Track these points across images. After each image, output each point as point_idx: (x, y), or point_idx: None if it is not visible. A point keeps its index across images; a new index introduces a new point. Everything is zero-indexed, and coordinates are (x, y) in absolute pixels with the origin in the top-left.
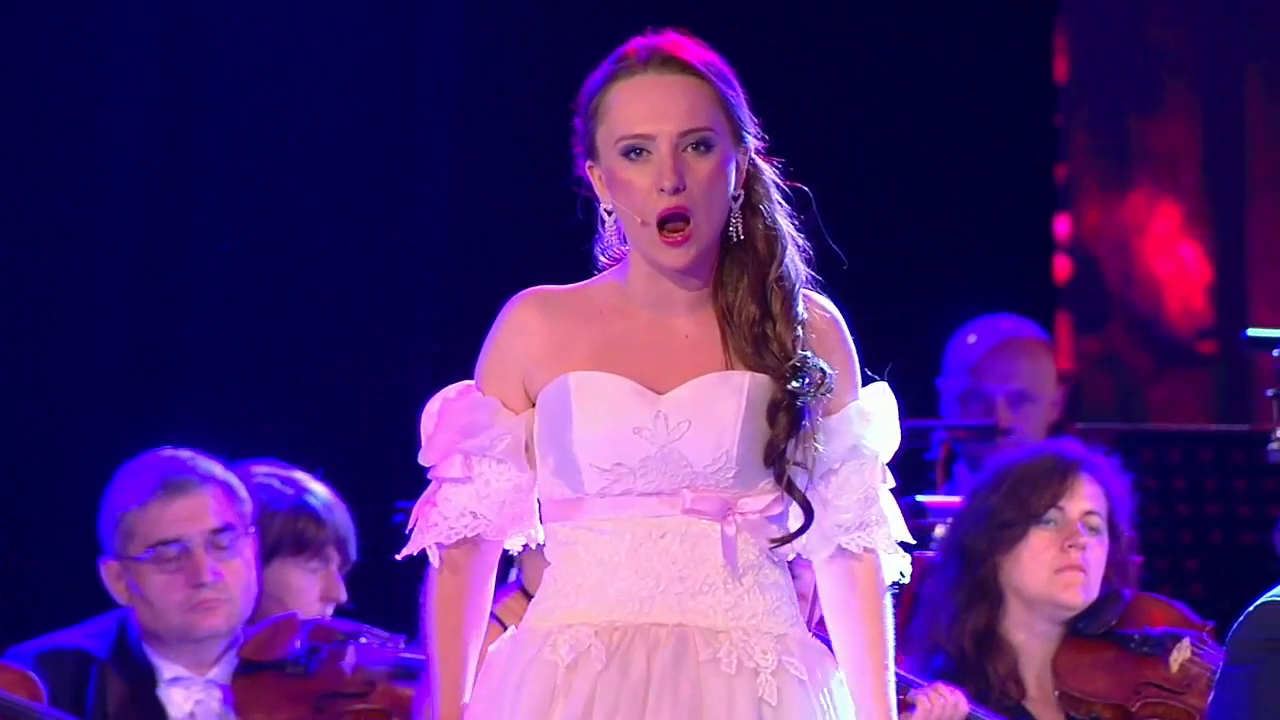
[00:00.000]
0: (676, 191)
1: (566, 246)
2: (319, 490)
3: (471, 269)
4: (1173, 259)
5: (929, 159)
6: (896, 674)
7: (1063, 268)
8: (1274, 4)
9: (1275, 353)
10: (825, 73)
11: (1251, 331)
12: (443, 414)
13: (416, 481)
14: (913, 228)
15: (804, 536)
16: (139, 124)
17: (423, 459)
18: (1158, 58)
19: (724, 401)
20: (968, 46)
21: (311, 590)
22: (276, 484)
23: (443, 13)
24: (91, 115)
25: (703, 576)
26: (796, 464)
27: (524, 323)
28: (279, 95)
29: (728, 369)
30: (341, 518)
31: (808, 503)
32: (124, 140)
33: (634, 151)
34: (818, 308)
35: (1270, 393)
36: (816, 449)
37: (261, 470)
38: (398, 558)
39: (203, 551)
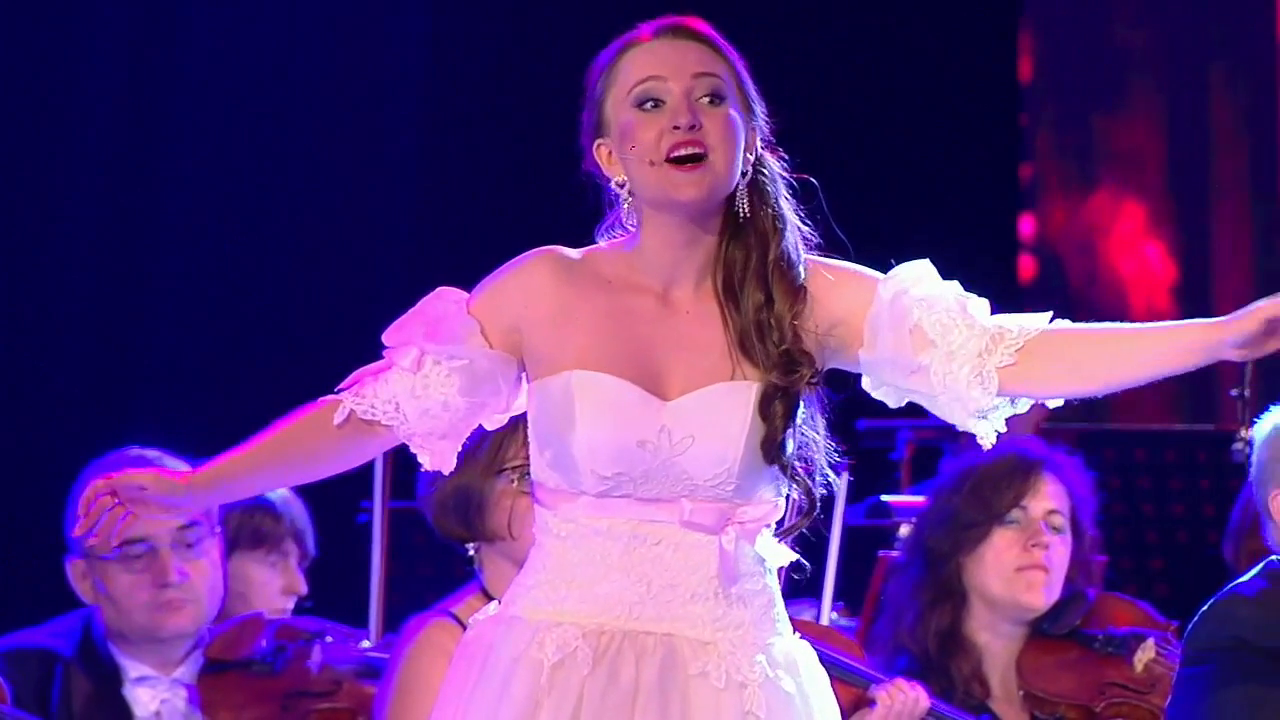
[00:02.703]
0: (692, 128)
1: (533, 242)
2: None
3: (436, 269)
4: (1137, 258)
5: (893, 158)
6: (858, 668)
7: (1027, 267)
8: (1237, 3)
9: None
10: (787, 73)
11: None
12: (423, 308)
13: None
14: (877, 227)
15: (955, 415)
16: (104, 125)
17: (385, 336)
18: (1122, 57)
19: (730, 417)
20: (932, 47)
21: (272, 584)
22: None
23: (410, 8)
24: (57, 115)
25: (694, 585)
26: (796, 456)
27: (536, 283)
28: (244, 96)
29: (732, 361)
30: (298, 511)
31: (811, 491)
32: (89, 140)
33: (648, 101)
34: (816, 268)
35: (1234, 393)
36: (876, 359)
37: None
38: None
39: (169, 551)
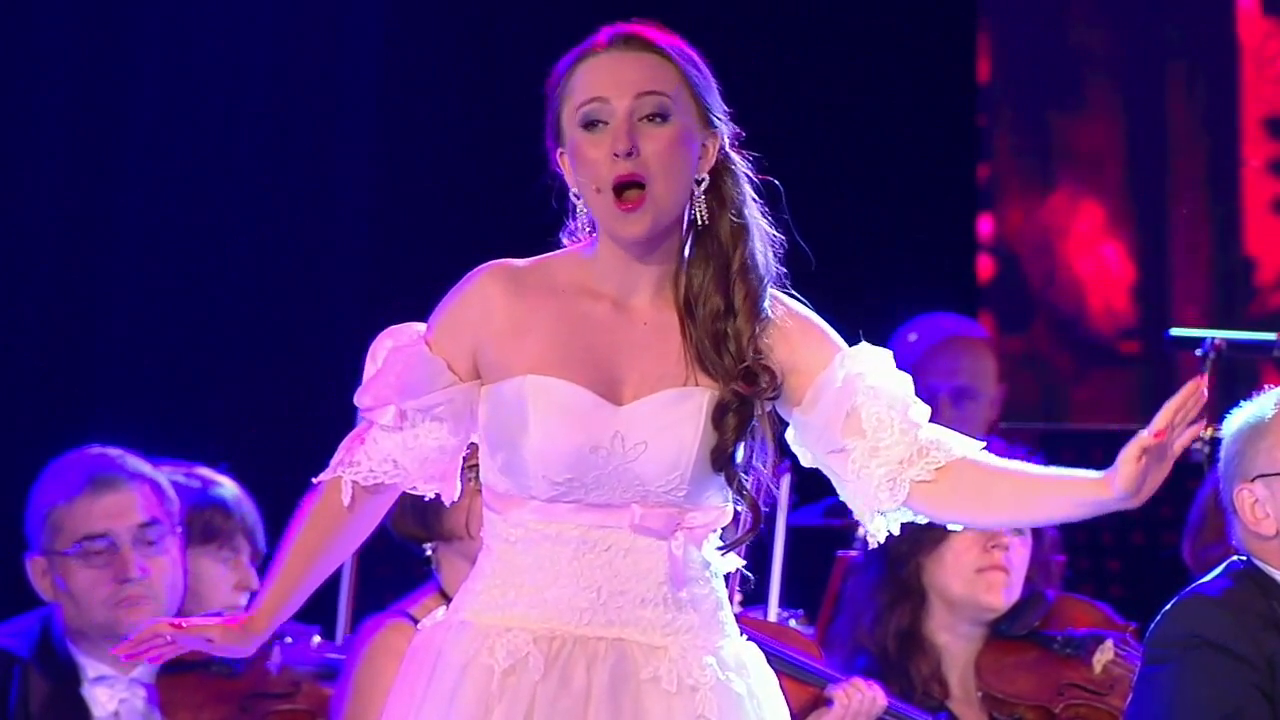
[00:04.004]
0: (629, 155)
1: (492, 245)
2: (225, 482)
3: (393, 267)
4: (1095, 258)
5: (852, 159)
6: (815, 667)
7: (985, 267)
8: (1194, 3)
9: (1198, 352)
10: (744, 73)
11: (1174, 331)
12: (388, 362)
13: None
14: (835, 228)
15: (864, 509)
16: (59, 124)
17: (358, 400)
18: (1079, 57)
19: (683, 424)
20: (890, 47)
21: (225, 579)
22: (182, 479)
23: (364, 10)
24: (10, 115)
25: (644, 590)
26: (745, 469)
27: (486, 296)
28: (199, 93)
29: (686, 369)
30: (248, 508)
31: (756, 505)
32: (45, 138)
33: (592, 123)
34: (777, 304)
35: None
36: (812, 417)
37: (166, 469)
38: (315, 480)
39: (130, 547)
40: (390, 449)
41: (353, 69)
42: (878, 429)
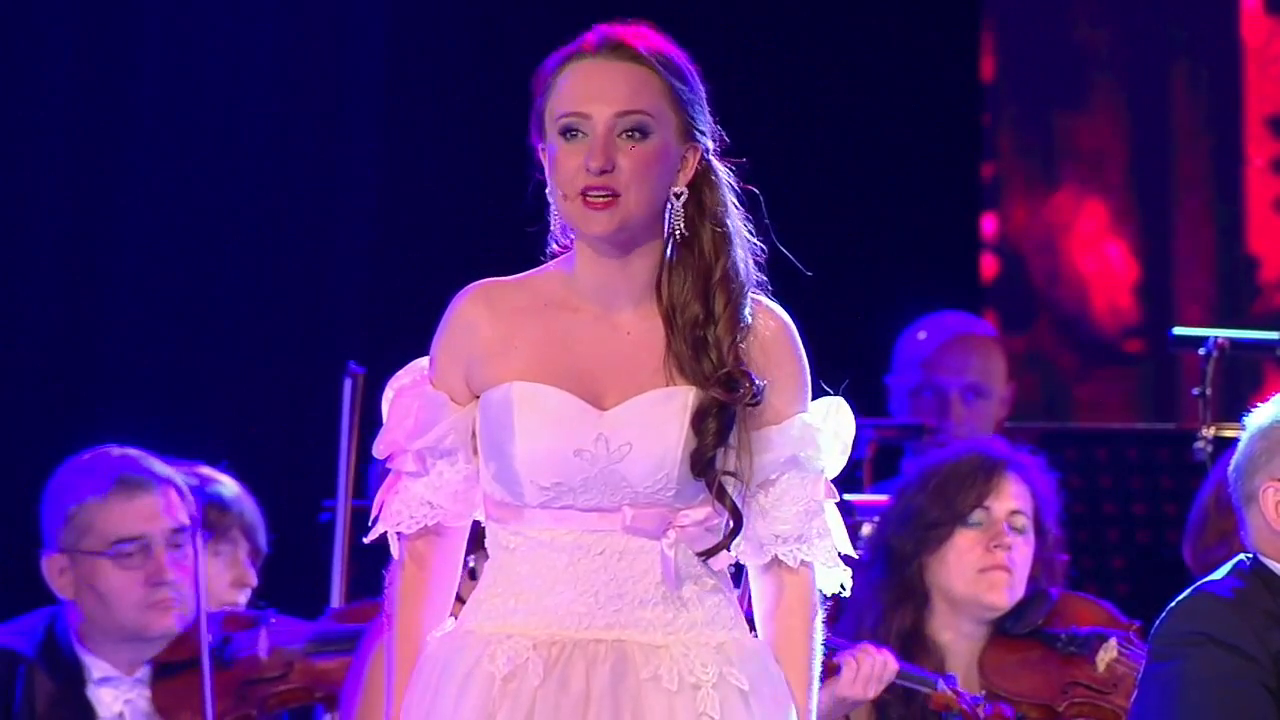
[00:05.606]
0: (603, 172)
1: (492, 246)
2: (225, 480)
3: (395, 268)
4: (1099, 257)
5: (856, 158)
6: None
7: (989, 266)
8: (1198, 2)
9: (1201, 351)
10: (747, 73)
11: (1178, 330)
12: (395, 407)
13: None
14: (839, 227)
15: (738, 542)
16: (62, 124)
17: (376, 451)
18: (1084, 56)
19: (666, 423)
20: (894, 46)
21: (222, 576)
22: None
23: (368, 9)
24: (12, 114)
25: (641, 592)
26: (727, 473)
27: (469, 319)
28: (203, 91)
29: (667, 374)
30: (248, 507)
31: (737, 510)
32: (47, 140)
33: (570, 131)
34: (768, 316)
35: (1196, 391)
36: (749, 459)
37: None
38: (366, 540)
39: (163, 550)
40: (421, 492)
41: (356, 68)
42: (780, 499)
